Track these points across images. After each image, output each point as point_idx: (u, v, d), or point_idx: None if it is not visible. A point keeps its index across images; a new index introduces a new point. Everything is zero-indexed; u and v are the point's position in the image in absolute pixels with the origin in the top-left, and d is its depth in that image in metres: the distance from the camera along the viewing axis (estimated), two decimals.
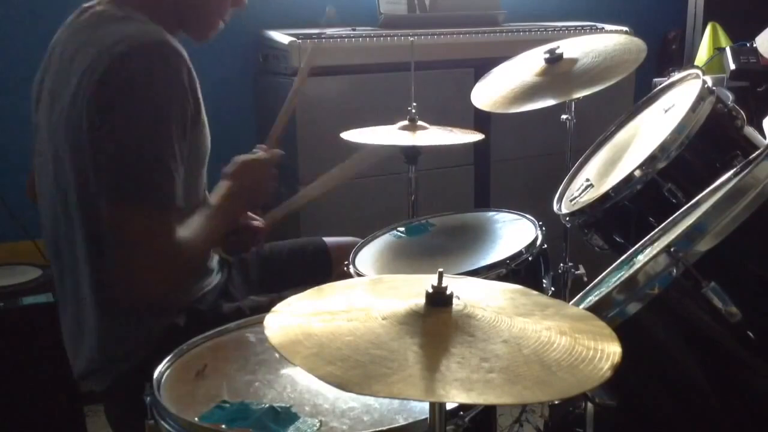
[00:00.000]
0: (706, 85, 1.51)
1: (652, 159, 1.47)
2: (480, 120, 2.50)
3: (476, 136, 1.87)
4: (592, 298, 1.22)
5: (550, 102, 1.75)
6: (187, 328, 1.37)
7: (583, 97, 1.75)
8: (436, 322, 0.84)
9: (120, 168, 1.30)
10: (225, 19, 1.56)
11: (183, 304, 1.48)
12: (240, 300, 1.59)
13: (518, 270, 1.52)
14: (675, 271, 1.00)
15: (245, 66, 2.79)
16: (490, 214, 1.88)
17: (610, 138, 1.84)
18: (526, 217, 1.77)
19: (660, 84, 1.85)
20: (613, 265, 1.33)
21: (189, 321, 1.45)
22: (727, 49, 2.70)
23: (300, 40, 2.49)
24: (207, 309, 1.51)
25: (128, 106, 1.31)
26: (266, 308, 0.92)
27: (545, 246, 1.63)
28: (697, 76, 1.62)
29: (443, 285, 0.86)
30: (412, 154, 1.92)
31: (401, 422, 1.01)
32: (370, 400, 1.06)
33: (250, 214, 1.68)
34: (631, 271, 1.09)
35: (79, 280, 1.44)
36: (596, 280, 1.32)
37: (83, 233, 1.40)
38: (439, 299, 0.86)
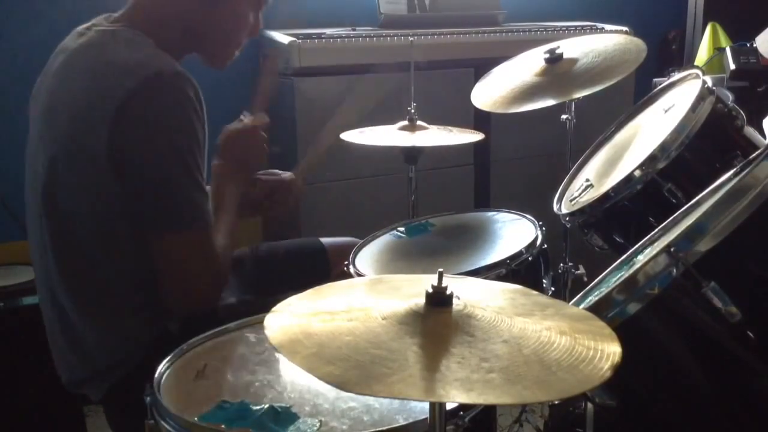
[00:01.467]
0: (706, 85, 1.51)
1: (652, 159, 1.47)
2: (480, 120, 2.50)
3: (476, 136, 1.86)
4: (592, 298, 1.22)
5: (550, 102, 1.74)
6: (181, 336, 1.37)
7: (583, 97, 1.75)
8: (436, 322, 0.84)
9: (162, 200, 1.35)
10: (241, 49, 1.57)
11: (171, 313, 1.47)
12: (234, 301, 1.59)
13: (518, 270, 1.52)
14: (675, 271, 1.00)
15: (245, 66, 2.78)
16: (490, 214, 1.88)
17: (610, 138, 1.84)
18: (526, 217, 1.77)
19: (660, 84, 1.85)
20: (613, 265, 1.33)
21: (183, 327, 1.44)
22: (727, 49, 2.70)
23: (300, 40, 2.49)
24: (201, 315, 1.51)
25: (157, 137, 1.34)
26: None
27: (545, 246, 1.63)
28: (697, 76, 1.61)
29: (443, 285, 0.86)
30: (412, 154, 1.91)
31: (401, 422, 1.01)
32: (370, 400, 1.06)
33: (271, 171, 1.72)
34: (631, 271, 1.08)
35: (60, 291, 1.44)
36: (596, 280, 1.32)
37: (54, 256, 1.42)
38: (439, 299, 0.86)
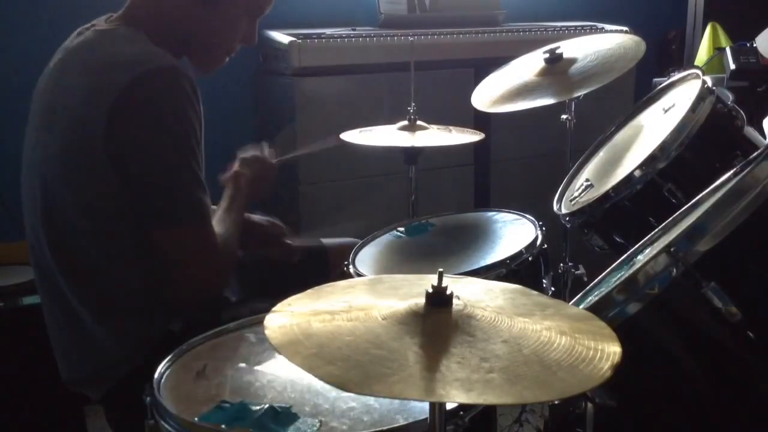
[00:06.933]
0: (706, 85, 1.51)
1: (652, 159, 1.47)
2: (480, 120, 2.50)
3: (476, 136, 1.87)
4: (592, 298, 1.22)
5: (549, 101, 1.74)
6: (182, 336, 1.38)
7: (583, 97, 1.75)
8: (436, 322, 0.84)
9: (161, 194, 1.35)
10: (231, 55, 1.57)
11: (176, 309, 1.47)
12: (233, 302, 1.59)
13: (518, 270, 1.52)
14: (675, 271, 1.00)
15: (245, 66, 2.79)
16: (490, 214, 1.88)
17: (610, 138, 1.84)
18: (526, 217, 1.77)
19: (660, 84, 1.85)
20: (613, 265, 1.33)
21: (185, 327, 1.44)
22: (727, 49, 2.70)
23: (300, 40, 2.50)
24: (209, 308, 1.51)
25: (153, 131, 1.34)
26: None
27: (545, 246, 1.62)
28: (697, 76, 1.62)
29: (443, 285, 0.86)
30: (412, 154, 1.92)
31: (401, 422, 1.01)
32: (370, 400, 1.06)
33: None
34: (631, 271, 1.08)
35: (61, 289, 1.43)
36: (596, 280, 1.32)
37: (53, 253, 1.42)
38: (439, 299, 0.86)
